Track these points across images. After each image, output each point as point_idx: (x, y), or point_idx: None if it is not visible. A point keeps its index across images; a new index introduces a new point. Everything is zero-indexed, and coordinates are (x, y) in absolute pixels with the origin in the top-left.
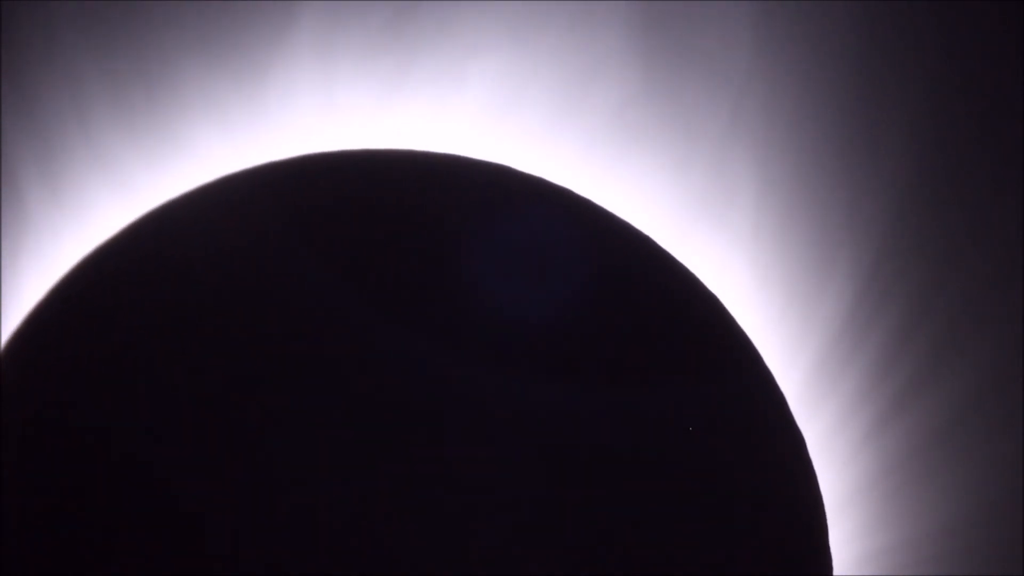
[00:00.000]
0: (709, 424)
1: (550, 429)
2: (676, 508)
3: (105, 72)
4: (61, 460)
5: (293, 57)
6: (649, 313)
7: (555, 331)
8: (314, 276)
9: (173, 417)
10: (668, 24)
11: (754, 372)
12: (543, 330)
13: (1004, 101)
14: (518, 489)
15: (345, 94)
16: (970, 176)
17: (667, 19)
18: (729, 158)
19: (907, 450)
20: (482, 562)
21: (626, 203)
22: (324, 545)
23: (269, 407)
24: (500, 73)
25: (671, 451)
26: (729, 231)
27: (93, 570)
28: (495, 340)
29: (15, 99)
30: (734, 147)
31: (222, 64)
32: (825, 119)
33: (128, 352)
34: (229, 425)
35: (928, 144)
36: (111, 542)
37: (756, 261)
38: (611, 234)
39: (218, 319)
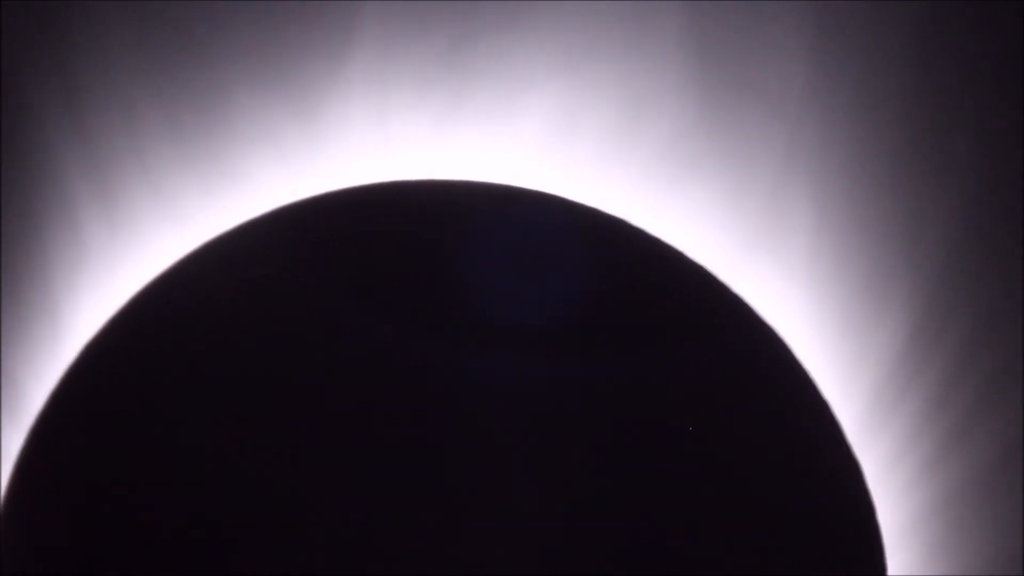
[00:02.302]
0: (765, 452)
1: (591, 464)
2: (732, 534)
3: (161, 104)
4: (120, 494)
5: (348, 88)
6: (704, 342)
7: (610, 363)
8: (363, 304)
9: (229, 441)
10: (723, 55)
11: (811, 401)
12: (598, 361)
13: None
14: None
15: (399, 125)
16: None
17: (722, 50)
18: (785, 188)
19: (965, 481)
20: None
21: (681, 233)
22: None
23: (310, 429)
24: (554, 104)
25: (728, 479)
26: (785, 261)
27: None
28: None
29: (72, 132)
30: (789, 177)
31: (277, 95)
32: (881, 150)
33: (185, 382)
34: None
35: (986, 176)
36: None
37: (812, 291)
38: (666, 264)
39: (271, 348)
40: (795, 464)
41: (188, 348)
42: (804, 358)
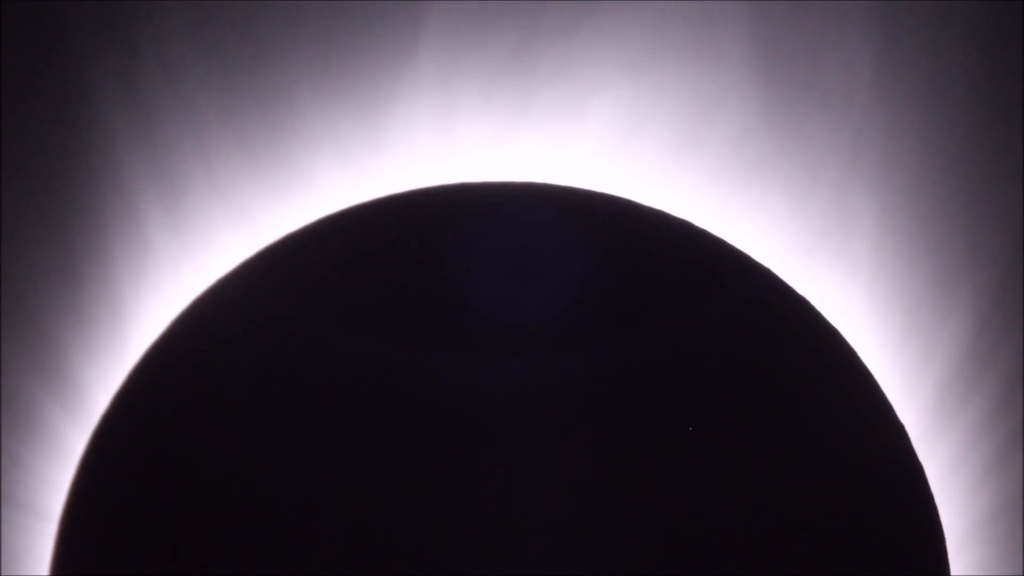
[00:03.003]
0: (827, 454)
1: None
2: (792, 536)
3: (226, 106)
4: (183, 496)
5: (414, 89)
6: (769, 345)
7: (681, 367)
8: (439, 305)
9: (289, 442)
10: (788, 56)
11: (874, 403)
12: (669, 366)
13: None
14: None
15: (465, 127)
16: None
17: (787, 52)
18: (849, 190)
19: None
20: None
21: (745, 235)
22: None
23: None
24: (620, 106)
25: (788, 480)
26: (849, 263)
27: None
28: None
29: (138, 134)
30: (854, 179)
31: (343, 97)
32: (946, 152)
33: (247, 385)
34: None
35: None
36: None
37: (876, 293)
38: (730, 266)
39: (338, 349)
40: (858, 466)
41: (248, 352)
42: (867, 359)
